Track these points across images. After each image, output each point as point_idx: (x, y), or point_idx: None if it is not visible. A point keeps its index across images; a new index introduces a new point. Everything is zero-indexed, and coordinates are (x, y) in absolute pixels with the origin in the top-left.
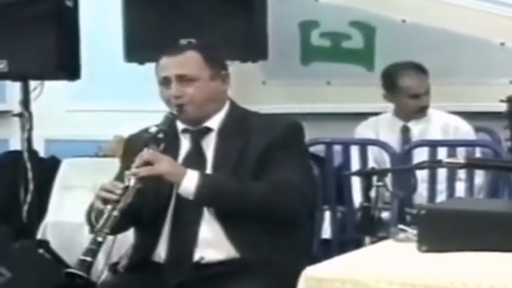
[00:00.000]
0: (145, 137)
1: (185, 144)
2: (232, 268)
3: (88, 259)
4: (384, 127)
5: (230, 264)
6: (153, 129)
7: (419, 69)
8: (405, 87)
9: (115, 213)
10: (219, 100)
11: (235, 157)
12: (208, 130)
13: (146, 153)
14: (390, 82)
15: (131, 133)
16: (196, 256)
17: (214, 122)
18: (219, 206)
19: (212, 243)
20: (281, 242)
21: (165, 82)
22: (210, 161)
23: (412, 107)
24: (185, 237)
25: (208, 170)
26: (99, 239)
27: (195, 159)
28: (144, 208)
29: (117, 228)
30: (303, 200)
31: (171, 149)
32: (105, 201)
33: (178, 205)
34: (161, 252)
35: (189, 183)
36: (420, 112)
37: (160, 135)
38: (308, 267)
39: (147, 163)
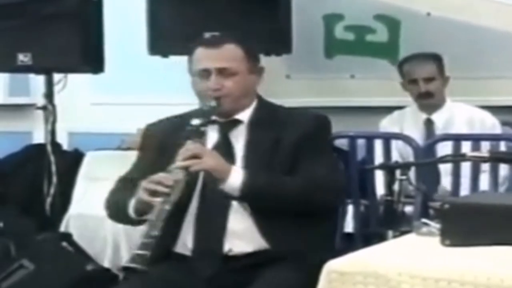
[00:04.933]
0: (188, 129)
1: (211, 135)
2: (260, 259)
3: (145, 253)
4: (408, 121)
5: (258, 256)
6: (195, 122)
7: (427, 57)
8: (405, 72)
9: (167, 206)
10: (252, 94)
11: (267, 151)
12: (237, 122)
13: (193, 146)
14: (400, 70)
15: (148, 123)
16: (225, 248)
17: (245, 115)
18: (260, 203)
19: (241, 235)
20: (310, 233)
21: (203, 74)
22: (240, 153)
23: (412, 94)
24: (213, 229)
25: (238, 162)
26: (154, 232)
27: (223, 151)
28: None
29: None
30: (340, 194)
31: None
32: (154, 193)
33: (203, 196)
34: (187, 243)
35: (235, 180)
36: (422, 99)
37: (203, 128)
38: (330, 260)
39: (195, 157)
